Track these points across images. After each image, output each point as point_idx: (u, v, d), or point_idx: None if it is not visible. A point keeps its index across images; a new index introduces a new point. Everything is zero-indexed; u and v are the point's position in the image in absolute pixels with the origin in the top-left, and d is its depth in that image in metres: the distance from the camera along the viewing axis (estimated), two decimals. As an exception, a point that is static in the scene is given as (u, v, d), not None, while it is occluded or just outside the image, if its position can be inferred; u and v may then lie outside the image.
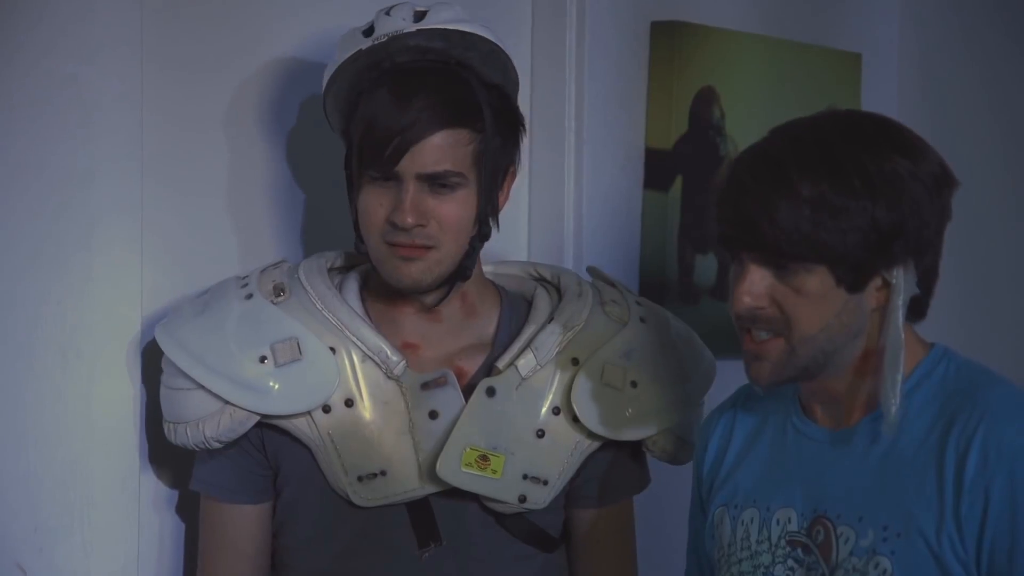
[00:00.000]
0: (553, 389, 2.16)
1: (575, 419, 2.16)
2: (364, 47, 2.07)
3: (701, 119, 2.84)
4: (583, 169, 2.70)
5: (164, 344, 2.12)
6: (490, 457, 2.11)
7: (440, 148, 2.06)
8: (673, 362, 2.25)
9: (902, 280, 1.84)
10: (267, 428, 2.12)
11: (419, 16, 2.11)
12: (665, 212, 2.81)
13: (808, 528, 1.89)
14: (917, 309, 1.89)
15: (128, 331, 2.21)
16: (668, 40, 2.79)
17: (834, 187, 1.80)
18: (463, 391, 2.13)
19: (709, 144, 2.87)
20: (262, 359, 2.09)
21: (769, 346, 1.86)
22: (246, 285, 2.15)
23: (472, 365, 2.16)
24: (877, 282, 1.84)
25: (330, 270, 2.21)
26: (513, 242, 2.67)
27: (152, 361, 2.20)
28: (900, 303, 1.84)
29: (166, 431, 2.14)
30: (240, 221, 2.34)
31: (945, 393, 1.85)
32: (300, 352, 2.09)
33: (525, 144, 2.70)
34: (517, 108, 2.17)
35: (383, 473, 2.09)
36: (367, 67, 2.08)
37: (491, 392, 2.12)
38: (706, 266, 2.88)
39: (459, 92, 2.07)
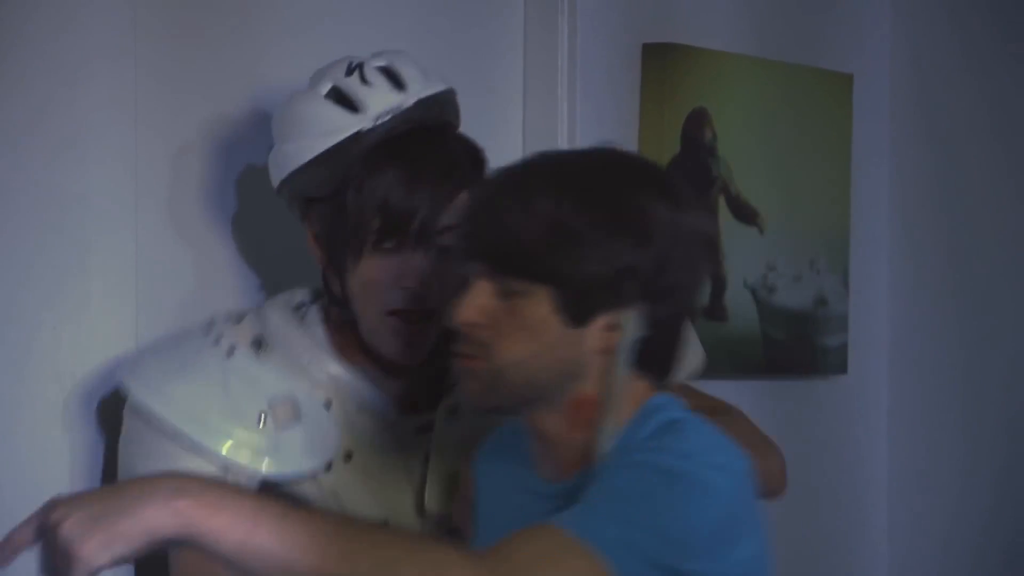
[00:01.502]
0: None
1: None
2: (365, 128, 2.03)
3: (693, 140, 2.85)
4: (576, 190, 2.71)
5: (149, 399, 2.03)
6: None
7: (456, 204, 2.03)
8: None
9: (632, 324, 1.69)
10: (265, 490, 2.05)
11: (394, 79, 2.06)
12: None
13: None
14: (654, 363, 1.73)
15: (121, 357, 2.21)
16: (660, 62, 2.80)
17: (575, 209, 1.67)
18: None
19: (701, 165, 2.88)
20: (260, 420, 2.04)
21: (475, 364, 1.73)
22: (219, 340, 2.08)
23: (451, 396, 2.12)
24: (604, 322, 1.69)
25: (295, 309, 2.15)
26: (506, 263, 2.68)
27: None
28: (622, 348, 1.69)
29: None
30: (236, 243, 2.34)
31: (629, 448, 1.69)
32: (298, 412, 2.04)
33: (518, 166, 2.73)
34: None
35: (386, 522, 2.07)
36: (369, 147, 2.03)
37: (452, 410, 2.10)
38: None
39: (458, 158, 2.06)
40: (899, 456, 3.28)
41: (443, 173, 2.03)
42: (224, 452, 2.01)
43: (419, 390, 2.11)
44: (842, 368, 3.16)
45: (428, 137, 2.05)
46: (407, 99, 2.04)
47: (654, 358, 1.73)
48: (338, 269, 2.05)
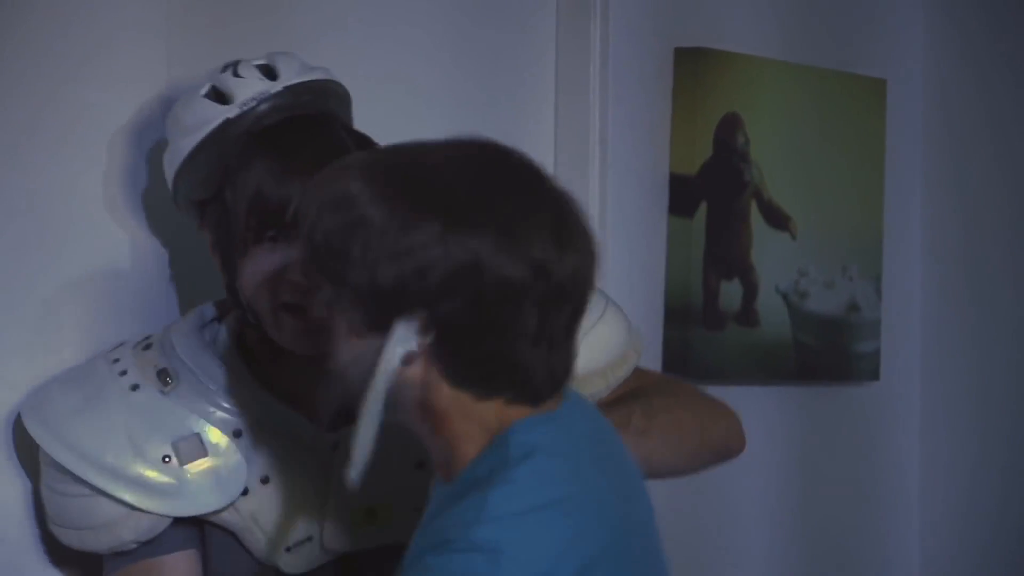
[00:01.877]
0: None
1: None
2: (232, 115, 1.99)
3: (725, 145, 2.85)
4: (607, 195, 2.71)
5: (50, 447, 1.98)
6: (376, 508, 2.03)
7: None
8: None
9: (405, 336, 1.60)
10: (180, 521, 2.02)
11: (269, 72, 2.03)
12: (690, 238, 2.81)
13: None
14: (464, 380, 1.63)
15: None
16: (692, 67, 2.79)
17: (361, 206, 1.60)
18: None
19: (733, 170, 2.87)
20: (165, 459, 1.97)
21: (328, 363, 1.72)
22: (124, 373, 2.01)
23: None
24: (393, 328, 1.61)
25: (201, 329, 2.09)
26: (537, 268, 2.68)
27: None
28: (385, 356, 1.61)
29: (61, 536, 2.02)
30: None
31: (470, 485, 1.62)
32: (204, 448, 1.99)
33: (550, 170, 2.72)
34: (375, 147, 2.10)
35: (310, 539, 2.03)
36: (237, 136, 1.99)
37: (337, 446, 2.03)
38: (731, 292, 2.87)
39: (335, 146, 2.00)
40: (931, 463, 3.26)
41: (316, 161, 1.90)
42: (132, 501, 1.97)
43: (311, 390, 2.03)
44: (874, 375, 3.15)
45: (302, 126, 2.01)
46: (275, 86, 2.01)
47: (473, 377, 1.63)
48: (231, 271, 2.00)
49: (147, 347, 2.05)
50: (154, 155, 2.20)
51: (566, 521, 1.60)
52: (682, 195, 2.80)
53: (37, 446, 2.03)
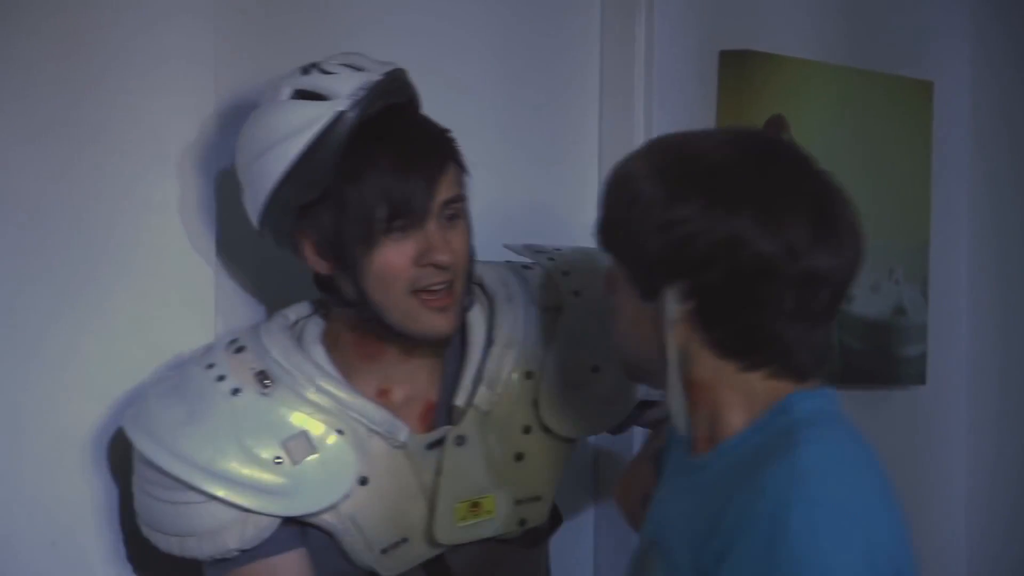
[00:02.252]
0: (518, 411, 2.13)
1: (546, 430, 2.14)
2: (343, 107, 1.99)
3: (771, 148, 2.83)
4: (652, 198, 2.70)
5: (162, 461, 2.01)
6: (480, 501, 2.08)
7: (447, 177, 2.04)
8: None
9: (669, 303, 1.73)
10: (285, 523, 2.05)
11: (350, 65, 2.04)
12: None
13: (643, 554, 1.84)
14: (729, 350, 1.75)
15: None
16: (737, 69, 2.78)
17: (638, 186, 1.73)
18: (433, 421, 2.11)
19: (779, 173, 2.86)
20: (276, 460, 2.00)
21: (612, 340, 1.84)
22: (223, 378, 2.04)
23: (434, 393, 2.12)
24: (668, 298, 1.73)
25: (291, 329, 2.12)
26: (582, 271, 2.67)
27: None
28: (666, 324, 1.73)
29: (159, 542, 2.04)
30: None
31: (761, 448, 1.72)
32: (312, 446, 2.02)
33: (595, 174, 2.72)
34: None
35: (404, 541, 2.06)
36: (350, 129, 2.00)
37: (460, 441, 2.08)
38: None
39: (440, 132, 2.06)
40: (978, 468, 3.24)
41: (432, 147, 2.02)
42: (248, 505, 1.99)
43: (401, 387, 2.10)
44: (920, 379, 3.13)
45: (405, 114, 2.04)
46: (373, 74, 2.02)
47: (738, 348, 1.75)
48: (349, 269, 2.02)
49: (239, 350, 2.07)
50: (205, 164, 2.22)
51: (873, 473, 1.72)
52: (727, 198, 2.79)
53: (128, 457, 2.06)
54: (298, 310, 2.14)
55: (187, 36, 2.20)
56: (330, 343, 2.09)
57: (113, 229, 2.17)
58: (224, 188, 2.25)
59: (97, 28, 2.14)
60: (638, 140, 2.69)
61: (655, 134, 2.69)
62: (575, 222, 2.69)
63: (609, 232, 1.78)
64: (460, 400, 2.11)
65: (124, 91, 2.16)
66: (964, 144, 3.22)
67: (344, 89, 2.00)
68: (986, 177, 3.24)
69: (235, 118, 2.26)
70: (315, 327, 2.11)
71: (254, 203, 2.05)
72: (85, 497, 2.16)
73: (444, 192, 2.02)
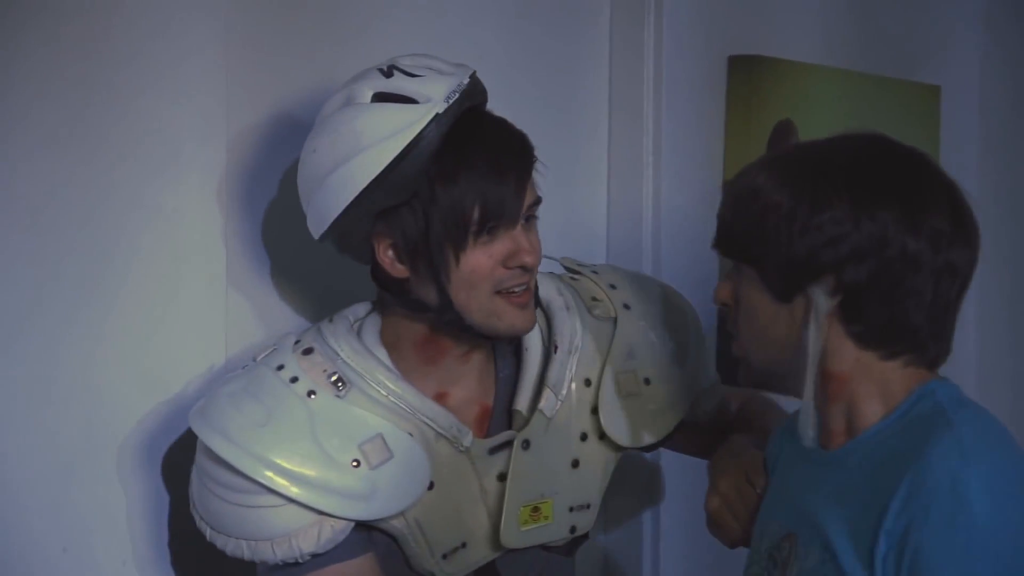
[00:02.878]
0: (576, 418, 2.15)
1: (600, 437, 2.17)
2: (440, 110, 1.99)
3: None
4: (661, 202, 2.71)
5: (240, 463, 1.98)
6: (540, 506, 2.10)
7: (531, 180, 2.07)
8: (665, 330, 2.24)
9: (818, 299, 1.82)
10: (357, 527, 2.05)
11: (430, 67, 2.04)
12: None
13: (779, 543, 1.91)
14: (873, 340, 1.84)
15: (212, 366, 2.22)
16: (746, 74, 2.79)
17: (771, 192, 1.82)
18: (490, 426, 2.12)
19: (787, 178, 2.86)
20: (354, 463, 1.99)
21: (735, 345, 1.91)
22: (296, 380, 2.03)
23: (489, 399, 2.14)
24: (804, 297, 1.83)
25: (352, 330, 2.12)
26: (591, 276, 2.68)
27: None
28: (812, 321, 1.82)
29: (226, 546, 2.02)
30: (324, 258, 2.36)
31: (910, 431, 1.83)
32: (388, 449, 2.02)
33: (603, 179, 2.73)
34: None
35: (464, 545, 2.07)
36: (447, 130, 2.01)
37: (527, 445, 2.10)
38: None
39: (520, 134, 2.07)
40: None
41: (521, 150, 2.04)
42: (327, 509, 1.98)
43: (458, 391, 2.11)
44: (929, 382, 3.13)
45: (486, 116, 2.05)
46: (460, 77, 2.03)
47: (883, 338, 1.83)
48: (434, 271, 2.02)
49: (307, 351, 2.07)
50: (216, 170, 2.22)
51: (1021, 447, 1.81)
52: (736, 203, 2.80)
53: (189, 462, 2.05)
54: (355, 311, 2.14)
55: (199, 42, 2.21)
56: (389, 345, 2.10)
57: (124, 234, 2.17)
58: (235, 193, 2.26)
59: (108, 34, 2.15)
60: (647, 145, 2.69)
61: (664, 139, 2.71)
62: (585, 227, 2.70)
63: (740, 243, 1.85)
64: (521, 404, 2.12)
65: (135, 97, 2.17)
66: (972, 148, 3.23)
67: (437, 92, 2.00)
68: (994, 181, 3.24)
69: (247, 124, 2.27)
70: (373, 328, 2.11)
71: (329, 208, 2.03)
72: (96, 503, 2.16)
73: (530, 195, 2.05)
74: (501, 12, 2.57)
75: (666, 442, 2.27)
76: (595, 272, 2.27)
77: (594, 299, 2.21)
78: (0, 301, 2.08)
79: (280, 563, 2.00)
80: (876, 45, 3.04)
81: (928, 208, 1.82)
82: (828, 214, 1.80)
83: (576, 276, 2.25)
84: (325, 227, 2.04)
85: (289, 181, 2.33)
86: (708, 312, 2.75)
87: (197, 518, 2.05)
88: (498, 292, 2.04)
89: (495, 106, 2.34)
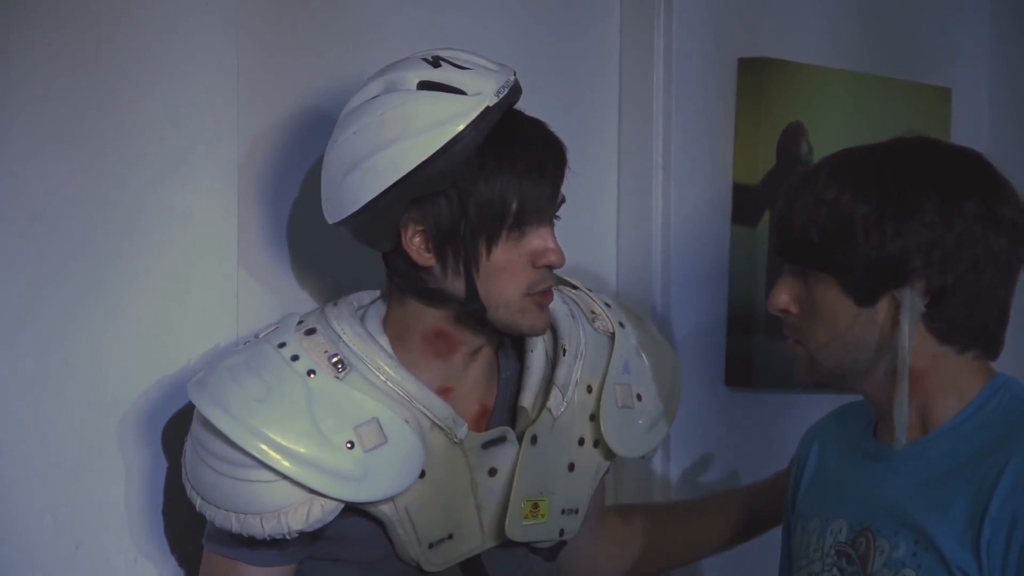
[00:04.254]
0: (577, 422, 2.17)
1: (595, 444, 2.19)
2: (491, 104, 2.01)
3: (789, 154, 2.84)
4: (671, 205, 2.71)
5: (237, 436, 1.99)
6: (539, 503, 2.12)
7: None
8: (655, 353, 2.28)
9: (908, 301, 1.86)
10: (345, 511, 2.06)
11: (475, 63, 2.06)
12: (753, 247, 2.80)
13: (853, 539, 1.93)
14: (954, 336, 1.90)
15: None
16: (755, 76, 2.79)
17: (851, 199, 1.85)
18: (488, 424, 2.13)
19: (797, 179, 2.86)
20: (348, 445, 2.01)
21: (796, 350, 1.95)
22: (296, 358, 2.04)
23: (490, 398, 2.15)
24: (889, 299, 1.88)
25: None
26: (601, 278, 2.68)
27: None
28: (905, 324, 1.86)
29: (218, 518, 2.03)
30: (335, 260, 2.37)
31: (994, 423, 1.88)
32: (383, 434, 2.03)
33: (613, 181, 2.74)
34: None
35: (450, 537, 2.08)
36: (488, 130, 2.02)
37: (535, 440, 2.12)
38: (795, 301, 2.87)
39: (553, 134, 2.10)
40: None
41: (559, 150, 2.07)
42: (318, 487, 2.00)
43: (461, 388, 2.12)
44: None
45: (526, 118, 2.08)
46: (507, 73, 2.05)
47: (964, 333, 1.88)
48: (465, 261, 2.04)
49: (310, 331, 2.08)
50: (226, 168, 2.23)
51: None
52: (745, 205, 2.80)
53: (170, 435, 2.09)
54: (360, 298, 2.16)
55: (209, 42, 2.22)
56: (392, 334, 2.11)
57: (135, 235, 2.18)
58: (246, 194, 2.27)
59: (119, 34, 2.16)
60: (657, 147, 2.70)
61: (674, 141, 2.72)
62: (595, 228, 2.70)
63: (818, 251, 1.88)
64: (527, 402, 2.14)
65: (146, 96, 2.18)
66: (982, 150, 3.22)
67: (488, 87, 2.02)
68: (1004, 183, 3.24)
69: (257, 124, 2.28)
70: (376, 316, 2.12)
71: (364, 190, 2.03)
72: (108, 500, 2.17)
73: (560, 197, 2.08)
74: (511, 14, 2.58)
75: (649, 456, 2.29)
76: (589, 290, 2.30)
77: (593, 312, 2.25)
78: (9, 299, 2.09)
79: (267, 538, 2.01)
80: (886, 47, 3.04)
81: (1005, 201, 1.89)
82: (919, 218, 1.85)
83: (574, 290, 2.28)
84: (354, 209, 2.04)
85: (299, 180, 2.34)
86: (719, 304, 2.76)
87: (189, 488, 2.06)
88: (529, 294, 2.07)
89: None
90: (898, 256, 1.85)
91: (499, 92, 2.02)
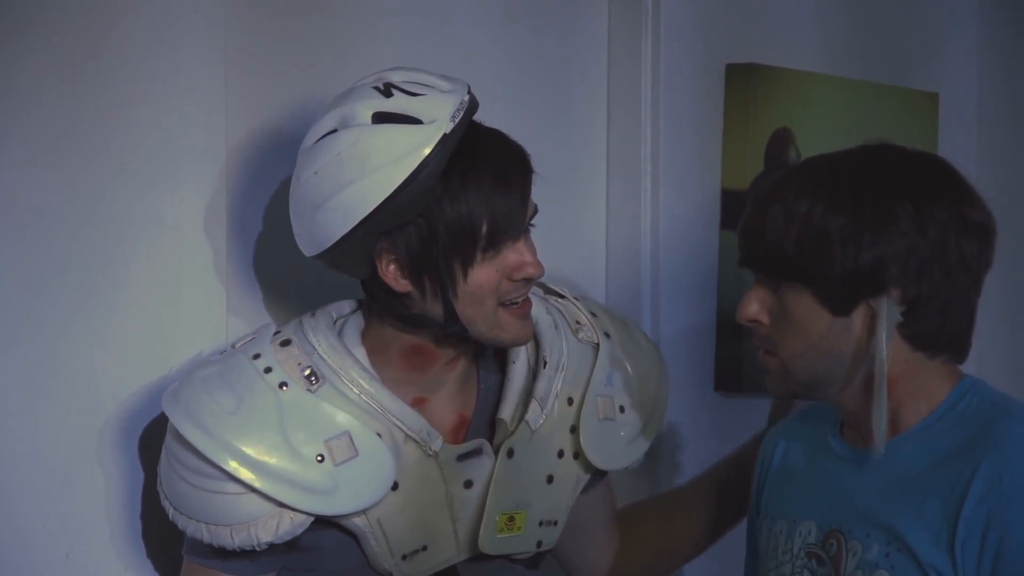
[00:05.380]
0: (556, 434, 2.17)
1: (574, 456, 2.18)
2: (448, 131, 2.00)
3: (777, 160, 2.85)
4: (659, 210, 2.72)
5: (206, 448, 2.00)
6: (515, 516, 2.12)
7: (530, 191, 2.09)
8: (640, 365, 2.27)
9: (884, 310, 1.87)
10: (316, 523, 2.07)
11: (427, 85, 2.04)
12: (742, 252, 2.81)
13: (823, 540, 1.94)
14: (927, 342, 1.91)
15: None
16: (743, 82, 2.80)
17: (824, 210, 1.86)
18: (466, 435, 2.13)
19: (785, 185, 2.87)
20: (319, 458, 2.02)
21: (767, 361, 1.95)
22: (269, 370, 2.05)
23: (468, 408, 2.15)
24: (865, 308, 1.89)
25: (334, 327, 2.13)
26: (591, 284, 2.69)
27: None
28: (882, 332, 1.88)
29: (189, 528, 2.05)
30: (324, 268, 2.37)
31: (964, 424, 1.90)
32: (355, 447, 2.03)
33: (602, 186, 2.74)
34: None
35: (424, 548, 2.08)
36: (449, 153, 2.01)
37: (511, 453, 2.12)
38: (783, 306, 2.87)
39: (517, 145, 2.08)
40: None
41: (522, 161, 2.06)
42: (287, 501, 2.01)
43: (438, 398, 2.12)
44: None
45: (486, 131, 2.06)
46: (460, 93, 2.03)
47: (937, 339, 1.89)
48: (441, 286, 2.04)
49: (285, 343, 2.08)
50: (215, 176, 2.23)
51: None
52: (734, 210, 2.80)
53: (159, 444, 2.08)
54: (339, 308, 2.15)
55: (197, 49, 2.22)
56: (370, 347, 2.11)
57: (124, 240, 2.18)
58: (235, 204, 2.27)
59: (107, 42, 2.16)
60: (645, 153, 2.70)
61: (662, 147, 2.72)
62: (585, 235, 2.71)
63: (791, 263, 1.87)
64: (506, 414, 2.14)
65: (134, 107, 2.18)
66: (969, 155, 3.23)
67: (442, 112, 2.01)
68: (991, 188, 3.23)
69: (246, 134, 2.28)
70: (355, 328, 2.12)
71: (333, 229, 2.03)
72: (98, 508, 2.17)
73: (531, 206, 2.07)
74: (500, 21, 2.58)
75: (630, 468, 2.28)
76: (577, 299, 2.28)
77: (578, 323, 2.23)
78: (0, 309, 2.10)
79: (236, 549, 2.02)
80: (873, 53, 3.05)
81: (972, 205, 1.91)
82: (894, 227, 1.86)
83: (560, 300, 2.27)
84: (325, 247, 2.05)
85: (288, 189, 2.34)
86: (707, 309, 2.76)
87: (162, 496, 2.07)
88: (502, 304, 2.06)
89: (494, 115, 2.35)
90: (875, 265, 1.86)
91: (454, 116, 2.01)
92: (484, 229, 2.01)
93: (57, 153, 2.13)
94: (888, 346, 1.87)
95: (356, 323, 2.12)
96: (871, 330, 1.88)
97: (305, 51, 2.33)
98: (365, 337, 2.11)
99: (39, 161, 2.12)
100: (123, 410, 2.19)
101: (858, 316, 1.89)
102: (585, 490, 2.24)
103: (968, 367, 3.26)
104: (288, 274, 2.33)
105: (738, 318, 1.94)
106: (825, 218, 1.86)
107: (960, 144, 3.20)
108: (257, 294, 2.30)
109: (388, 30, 2.43)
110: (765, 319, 1.93)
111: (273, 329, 2.11)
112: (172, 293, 2.21)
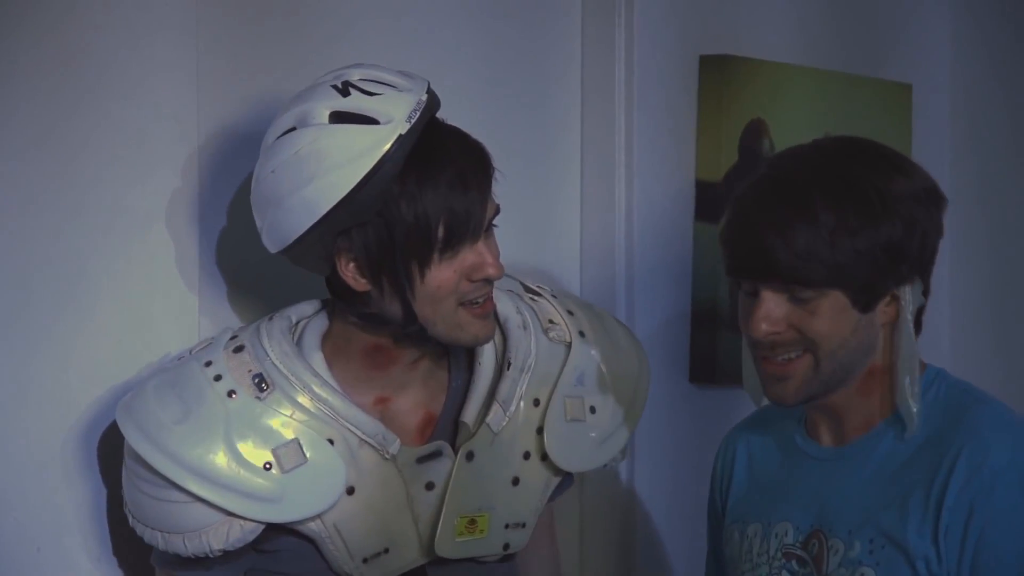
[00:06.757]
0: (521, 436, 2.16)
1: (543, 458, 2.17)
2: (404, 131, 1.99)
3: (751, 151, 2.85)
4: (634, 202, 2.72)
5: (153, 459, 2.01)
6: (476, 519, 2.11)
7: (491, 191, 2.08)
8: (617, 363, 2.25)
9: (909, 296, 1.91)
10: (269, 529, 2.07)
11: (385, 83, 2.04)
12: (716, 244, 2.81)
13: (804, 541, 1.95)
14: (917, 323, 1.95)
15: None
16: (717, 73, 2.80)
17: (856, 211, 1.88)
18: (433, 434, 2.13)
19: (759, 176, 2.87)
20: (266, 466, 2.02)
21: (795, 365, 1.92)
22: (219, 378, 2.05)
23: (436, 407, 2.15)
24: (886, 299, 1.92)
25: (290, 332, 2.13)
26: (565, 276, 2.69)
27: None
28: (910, 317, 1.92)
29: (144, 534, 2.07)
30: (296, 268, 2.36)
31: (935, 415, 1.92)
32: (304, 455, 2.03)
33: (576, 178, 2.74)
34: None
35: (386, 551, 2.08)
36: (406, 153, 2.01)
37: (470, 456, 2.11)
38: (758, 297, 2.87)
39: (477, 144, 2.07)
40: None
41: (481, 161, 2.04)
42: (233, 509, 2.01)
43: (402, 397, 2.12)
44: (901, 379, 3.14)
45: (442, 127, 2.05)
46: (418, 93, 2.03)
47: (917, 320, 1.93)
48: (398, 286, 2.03)
49: (238, 349, 2.08)
50: (188, 173, 2.23)
51: None
52: (708, 201, 2.81)
53: (114, 460, 2.08)
54: (300, 310, 2.14)
55: (170, 51, 2.22)
56: (331, 349, 2.10)
57: (99, 237, 2.18)
58: (207, 196, 2.26)
59: (83, 43, 2.16)
60: (619, 144, 2.70)
61: (636, 138, 2.72)
62: (559, 225, 2.70)
63: (808, 268, 1.88)
64: (468, 417, 2.13)
65: (105, 102, 2.17)
66: (943, 146, 3.24)
67: (399, 112, 2.00)
68: (965, 179, 3.25)
69: (217, 128, 2.27)
70: (315, 331, 2.12)
71: (290, 228, 2.03)
72: (70, 502, 2.17)
73: (491, 206, 2.05)
74: (472, 11, 2.58)
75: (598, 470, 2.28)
76: (555, 296, 2.27)
77: (551, 322, 2.22)
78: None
79: (191, 556, 2.03)
80: (847, 44, 3.05)
81: (929, 179, 1.94)
82: (903, 216, 1.88)
83: (536, 298, 2.26)
84: (285, 245, 2.05)
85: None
86: (682, 300, 2.77)
87: (124, 503, 2.08)
88: (461, 304, 2.05)
89: (467, 107, 2.36)
90: (899, 257, 1.89)
91: (411, 117, 2.00)
92: (441, 230, 2.01)
93: (35, 150, 2.13)
94: (913, 331, 1.92)
95: (318, 325, 2.12)
96: (893, 320, 1.92)
97: (276, 49, 2.33)
98: (327, 337, 2.11)
99: (17, 159, 2.11)
100: (96, 404, 2.18)
101: (881, 308, 1.92)
102: (560, 492, 2.23)
103: (947, 362, 3.28)
104: (263, 269, 2.32)
105: (753, 334, 1.91)
106: (858, 217, 1.87)
107: (933, 134, 3.21)
108: (231, 289, 2.30)
109: (362, 26, 2.42)
110: (783, 328, 1.91)
111: (230, 334, 2.12)
112: (146, 288, 2.21)
